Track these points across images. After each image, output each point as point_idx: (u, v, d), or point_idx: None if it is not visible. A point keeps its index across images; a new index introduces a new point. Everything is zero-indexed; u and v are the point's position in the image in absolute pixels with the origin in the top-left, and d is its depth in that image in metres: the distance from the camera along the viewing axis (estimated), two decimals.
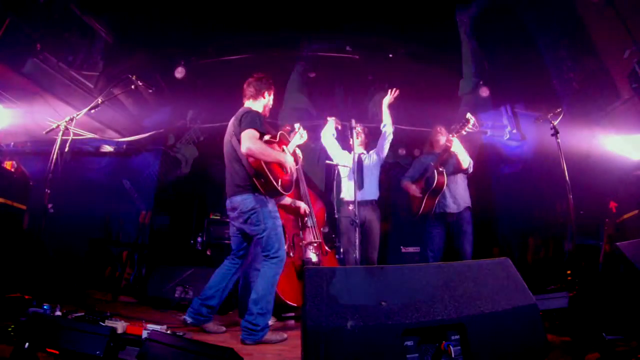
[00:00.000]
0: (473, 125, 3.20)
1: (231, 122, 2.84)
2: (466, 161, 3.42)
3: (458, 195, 3.48)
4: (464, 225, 3.42)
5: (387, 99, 3.80)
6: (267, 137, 2.77)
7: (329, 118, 3.85)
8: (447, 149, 3.33)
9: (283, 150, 2.93)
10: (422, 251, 3.69)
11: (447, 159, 3.43)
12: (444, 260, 3.52)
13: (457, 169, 3.47)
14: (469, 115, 3.16)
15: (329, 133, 3.90)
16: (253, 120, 2.63)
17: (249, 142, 2.54)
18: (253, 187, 2.67)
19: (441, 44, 5.20)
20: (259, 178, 2.64)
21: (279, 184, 2.67)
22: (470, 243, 3.40)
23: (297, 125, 3.25)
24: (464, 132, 3.24)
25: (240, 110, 2.85)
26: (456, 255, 3.42)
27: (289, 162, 2.82)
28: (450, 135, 3.29)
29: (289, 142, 3.09)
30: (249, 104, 2.91)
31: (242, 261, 2.93)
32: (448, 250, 3.74)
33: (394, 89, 3.78)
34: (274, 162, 2.72)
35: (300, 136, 3.17)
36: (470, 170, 3.51)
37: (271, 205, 2.73)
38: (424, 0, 4.79)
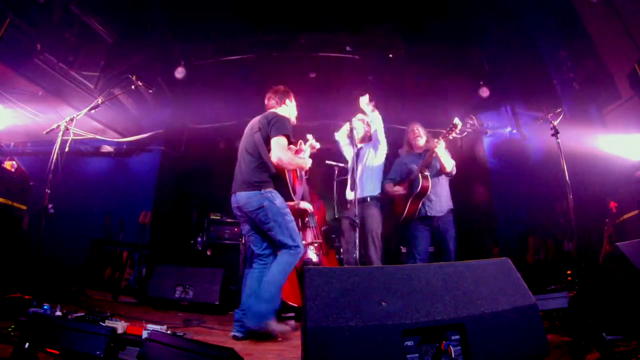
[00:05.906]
0: (460, 130, 3.22)
1: (257, 119, 2.86)
2: (450, 164, 3.41)
3: (443, 197, 3.48)
4: (449, 229, 3.44)
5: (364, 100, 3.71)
6: (292, 147, 2.87)
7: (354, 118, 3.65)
8: (432, 153, 3.32)
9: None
10: (408, 254, 3.64)
11: (430, 162, 3.42)
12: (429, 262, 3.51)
13: (441, 171, 3.47)
14: (456, 120, 3.15)
15: (344, 132, 3.76)
16: (284, 126, 2.70)
17: (280, 152, 2.63)
18: (263, 185, 2.67)
19: (441, 44, 5.21)
20: (277, 180, 2.73)
21: (293, 188, 2.81)
22: (454, 244, 3.45)
23: (309, 136, 3.38)
24: (450, 137, 3.24)
25: (269, 112, 2.88)
26: (442, 257, 3.45)
27: (308, 166, 2.95)
28: (437, 140, 3.29)
29: (302, 150, 3.25)
30: (273, 110, 2.93)
31: (272, 258, 2.78)
32: (433, 251, 3.77)
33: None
34: (295, 169, 2.86)
35: (311, 146, 3.32)
36: (454, 172, 3.50)
37: (279, 202, 2.68)
38: (424, 0, 4.80)
